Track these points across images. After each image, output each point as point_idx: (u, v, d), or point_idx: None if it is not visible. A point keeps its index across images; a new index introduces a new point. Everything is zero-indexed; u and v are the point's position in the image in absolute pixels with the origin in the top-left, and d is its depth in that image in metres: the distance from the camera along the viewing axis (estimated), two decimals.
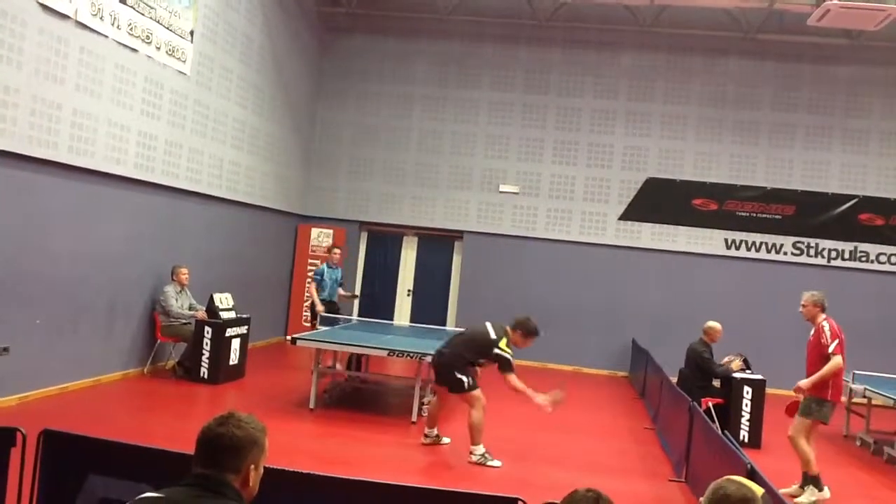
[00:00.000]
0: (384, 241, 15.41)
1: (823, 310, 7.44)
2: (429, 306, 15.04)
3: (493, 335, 7.45)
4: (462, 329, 7.85)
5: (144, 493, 2.33)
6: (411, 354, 8.50)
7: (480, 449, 7.30)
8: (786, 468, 7.90)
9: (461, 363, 7.45)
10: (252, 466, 2.34)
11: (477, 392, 7.40)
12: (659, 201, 14.36)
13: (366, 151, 15.15)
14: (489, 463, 7.22)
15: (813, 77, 14.17)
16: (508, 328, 7.57)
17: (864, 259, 13.93)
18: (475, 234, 14.84)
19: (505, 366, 7.31)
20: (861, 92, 14.07)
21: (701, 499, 2.69)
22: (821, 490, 6.96)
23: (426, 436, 7.76)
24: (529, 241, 14.67)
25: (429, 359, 8.50)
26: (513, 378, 7.28)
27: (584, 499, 2.39)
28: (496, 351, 7.35)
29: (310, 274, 11.67)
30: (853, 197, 13.96)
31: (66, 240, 8.20)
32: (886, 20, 10.84)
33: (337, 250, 11.59)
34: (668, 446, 8.31)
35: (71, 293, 8.35)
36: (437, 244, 15.24)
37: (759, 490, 2.96)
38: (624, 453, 8.23)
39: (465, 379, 7.38)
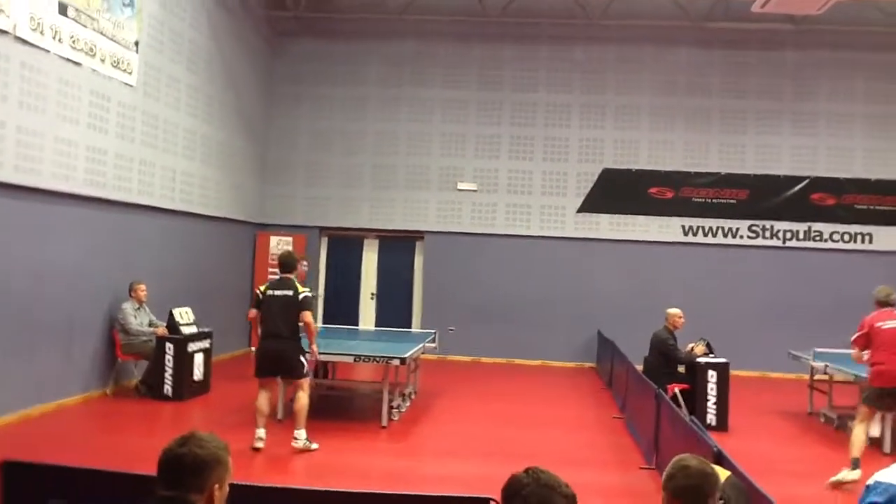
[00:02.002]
0: (345, 246, 15.31)
1: (876, 302, 7.52)
2: (393, 309, 14.99)
3: (292, 291, 7.40)
4: (272, 314, 7.40)
5: None
6: (378, 359, 8.45)
7: (304, 433, 7.30)
8: (753, 450, 8.02)
9: (299, 344, 7.45)
10: (216, 485, 2.31)
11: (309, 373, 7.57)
12: (616, 192, 14.49)
13: (322, 156, 15.04)
14: (312, 447, 7.30)
15: (760, 63, 14.41)
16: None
17: (818, 238, 14.20)
18: (436, 234, 14.83)
19: (309, 304, 7.43)
20: (808, 75, 14.34)
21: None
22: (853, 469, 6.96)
23: (259, 438, 7.21)
24: (490, 238, 14.69)
25: (396, 362, 8.47)
26: (310, 315, 7.45)
27: (516, 482, 2.34)
28: (301, 296, 7.38)
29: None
30: (804, 178, 14.23)
31: (18, 261, 7.99)
32: (828, 4, 11.06)
33: (304, 263, 11.15)
34: (637, 434, 8.37)
35: (26, 315, 8.12)
36: (398, 246, 15.19)
37: (724, 473, 2.99)
38: (594, 444, 8.28)
39: (304, 362, 7.46)
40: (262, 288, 7.61)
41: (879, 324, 7.26)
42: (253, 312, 7.56)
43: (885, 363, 7.11)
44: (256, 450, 7.18)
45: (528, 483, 2.32)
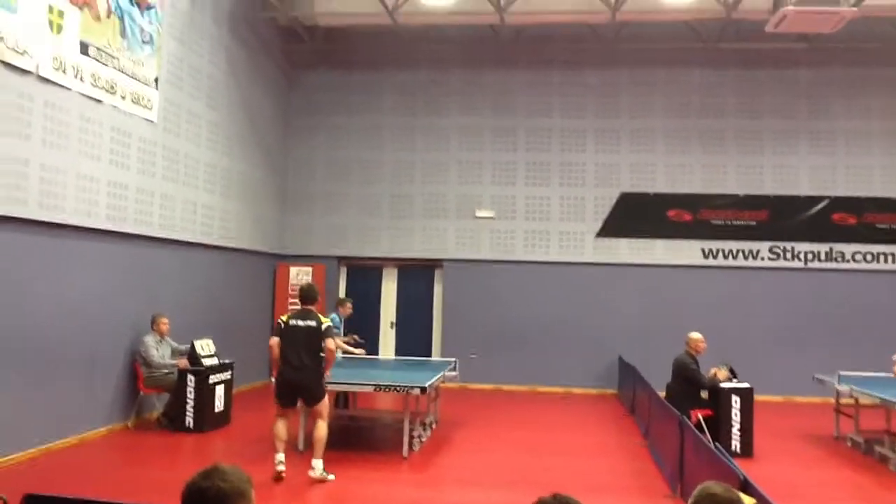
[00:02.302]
0: (364, 275, 15.35)
1: None
2: (413, 337, 14.98)
3: (315, 322, 7.50)
4: (295, 344, 7.48)
5: None
6: (398, 388, 8.44)
7: (321, 464, 7.31)
8: (779, 476, 7.90)
9: (321, 371, 7.50)
10: None
11: (327, 400, 7.61)
12: (634, 215, 14.46)
13: (339, 185, 15.15)
14: (329, 477, 7.31)
15: (774, 82, 14.40)
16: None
17: (840, 259, 14.07)
18: (455, 262, 14.84)
19: (332, 333, 7.57)
20: (822, 93, 14.30)
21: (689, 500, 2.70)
22: None
23: (280, 462, 7.30)
24: (509, 265, 14.68)
25: (416, 391, 8.45)
26: (332, 342, 7.55)
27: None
28: (325, 327, 7.48)
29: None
30: (824, 198, 14.14)
31: (41, 296, 8.09)
32: (841, 23, 11.05)
33: (349, 303, 11.27)
34: (661, 461, 8.27)
35: (49, 349, 8.21)
36: (417, 274, 15.22)
37: (750, 501, 2.95)
38: (617, 471, 8.19)
39: (324, 385, 7.55)
40: (284, 318, 7.68)
41: None
42: (274, 340, 7.59)
43: None
44: (278, 474, 7.20)
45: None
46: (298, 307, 7.78)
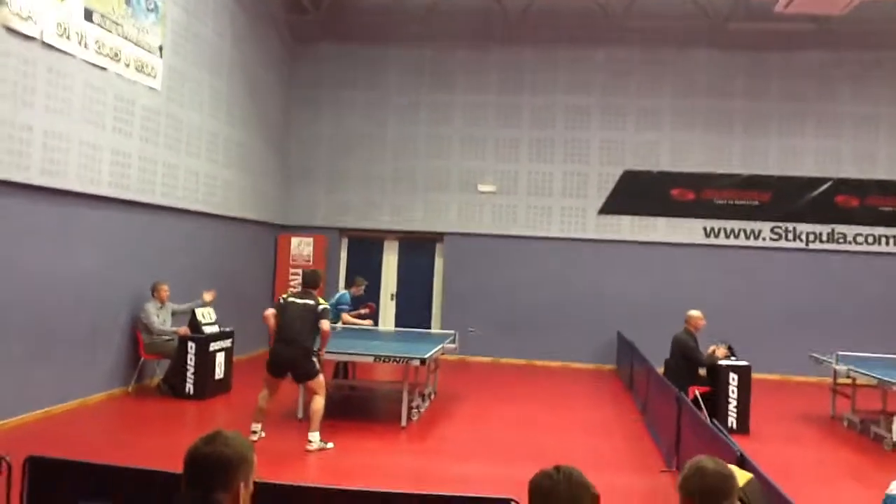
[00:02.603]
0: (365, 247, 15.37)
1: None
2: (413, 309, 15.04)
3: (313, 301, 7.69)
4: (291, 319, 7.61)
5: None
6: (398, 359, 8.49)
7: (318, 436, 7.39)
8: (774, 453, 7.97)
9: (311, 347, 7.59)
10: (242, 484, 2.33)
11: (322, 377, 7.62)
12: (637, 193, 14.44)
13: (342, 158, 15.12)
14: (327, 446, 7.40)
15: (783, 64, 14.30)
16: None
17: (841, 241, 14.07)
18: (456, 235, 14.85)
19: (328, 314, 7.72)
20: (831, 76, 14.21)
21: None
22: None
23: (253, 432, 7.55)
24: (510, 240, 14.69)
25: (416, 363, 8.51)
26: (328, 324, 7.72)
27: (547, 479, 2.39)
28: (321, 308, 7.65)
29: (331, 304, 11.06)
30: (828, 180, 14.10)
31: (43, 262, 8.12)
32: (851, 5, 10.97)
33: (362, 283, 11.25)
34: (657, 437, 8.34)
35: (50, 315, 8.25)
36: (418, 247, 15.23)
37: (747, 475, 2.99)
38: (614, 447, 8.26)
39: (316, 363, 7.59)
40: (285, 296, 7.91)
41: None
42: (269, 310, 7.77)
43: None
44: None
45: (560, 481, 2.36)
46: (300, 289, 8.00)
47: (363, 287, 11.18)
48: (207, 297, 10.23)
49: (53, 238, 8.27)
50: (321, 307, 7.68)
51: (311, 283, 7.93)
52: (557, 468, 2.42)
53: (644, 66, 14.56)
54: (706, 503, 2.58)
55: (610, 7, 14.14)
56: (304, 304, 7.67)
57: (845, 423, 9.82)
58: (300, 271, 14.45)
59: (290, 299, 7.76)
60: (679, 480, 2.69)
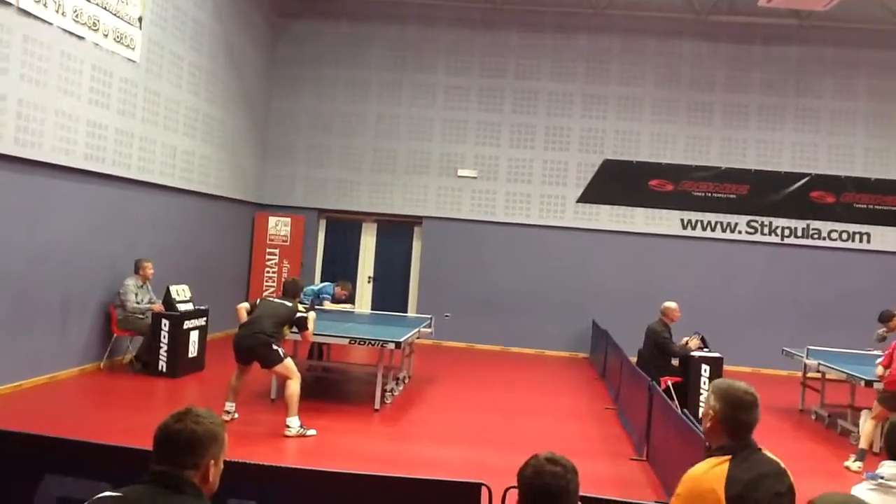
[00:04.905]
0: (343, 229, 15.31)
1: None
2: (390, 293, 15.02)
3: (291, 303, 7.83)
4: (262, 312, 7.68)
5: (103, 492, 2.31)
6: (373, 342, 8.48)
7: (297, 421, 7.36)
8: None
9: (276, 337, 7.57)
10: (212, 462, 2.32)
11: (291, 362, 7.59)
12: (616, 183, 14.48)
13: (322, 138, 15.01)
14: (308, 433, 7.33)
15: (764, 58, 14.37)
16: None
17: (816, 236, 14.22)
18: (434, 220, 14.82)
19: (305, 325, 7.81)
20: (811, 72, 14.31)
21: None
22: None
23: (227, 412, 7.55)
24: (489, 226, 14.69)
25: (391, 346, 8.50)
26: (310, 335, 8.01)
27: (552, 475, 2.44)
28: (298, 315, 7.76)
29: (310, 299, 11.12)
30: (805, 175, 14.23)
31: (15, 234, 7.99)
32: (833, 1, 11.03)
33: (348, 287, 11.34)
34: (629, 426, 8.41)
35: (22, 288, 8.14)
36: (396, 230, 15.19)
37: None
38: (585, 434, 8.32)
39: (279, 350, 7.54)
40: (263, 296, 8.04)
41: None
42: (242, 305, 7.89)
43: None
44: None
45: (567, 472, 2.44)
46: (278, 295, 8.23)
47: (347, 292, 11.24)
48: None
49: (27, 208, 8.14)
50: (299, 315, 7.76)
51: (291, 291, 8.07)
52: (548, 455, 2.51)
53: (626, 56, 14.56)
54: None
55: None
56: (282, 304, 7.78)
57: (813, 417, 9.96)
58: (276, 251, 14.47)
59: (268, 298, 7.98)
60: None
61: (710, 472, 2.82)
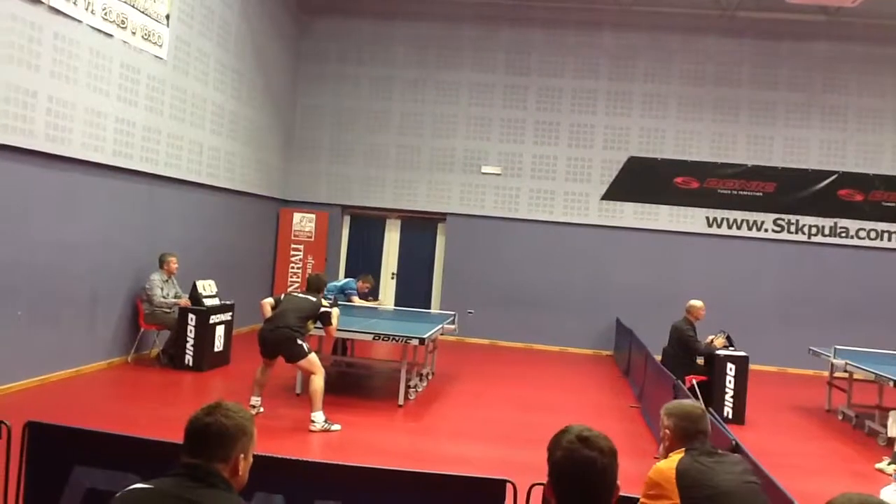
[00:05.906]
0: (367, 225, 15.36)
1: None
2: (413, 289, 15.05)
3: (315, 299, 7.84)
4: (287, 307, 7.73)
5: (132, 483, 2.33)
6: (396, 338, 8.51)
7: (322, 416, 7.38)
8: (768, 443, 8.00)
9: (300, 332, 7.60)
10: (241, 455, 2.34)
11: (315, 357, 7.60)
12: (641, 180, 14.40)
13: (347, 135, 15.07)
14: (332, 428, 7.36)
15: (791, 54, 14.21)
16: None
17: (843, 235, 14.05)
18: (458, 216, 14.82)
19: (329, 320, 7.81)
20: (839, 68, 14.12)
21: None
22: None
23: (252, 406, 7.59)
24: (512, 223, 14.67)
25: (414, 342, 8.53)
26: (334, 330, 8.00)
27: (569, 444, 2.43)
28: (322, 309, 7.78)
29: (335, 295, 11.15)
30: (833, 173, 14.06)
31: (46, 228, 8.11)
32: None
33: (370, 280, 11.34)
34: (653, 424, 8.36)
35: (51, 282, 8.27)
36: (420, 227, 15.22)
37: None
38: (609, 432, 8.16)
39: (304, 345, 7.57)
40: (287, 291, 8.08)
41: None
42: (267, 300, 7.90)
43: None
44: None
45: (604, 455, 2.41)
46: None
47: (369, 285, 11.25)
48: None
49: (56, 203, 8.26)
50: (324, 309, 7.78)
51: (315, 286, 8.07)
52: (581, 429, 2.49)
53: (652, 52, 14.46)
54: None
55: None
56: (306, 298, 7.81)
57: (840, 417, 9.86)
58: (301, 247, 14.55)
59: (293, 293, 8.01)
60: None
61: (666, 462, 3.27)
